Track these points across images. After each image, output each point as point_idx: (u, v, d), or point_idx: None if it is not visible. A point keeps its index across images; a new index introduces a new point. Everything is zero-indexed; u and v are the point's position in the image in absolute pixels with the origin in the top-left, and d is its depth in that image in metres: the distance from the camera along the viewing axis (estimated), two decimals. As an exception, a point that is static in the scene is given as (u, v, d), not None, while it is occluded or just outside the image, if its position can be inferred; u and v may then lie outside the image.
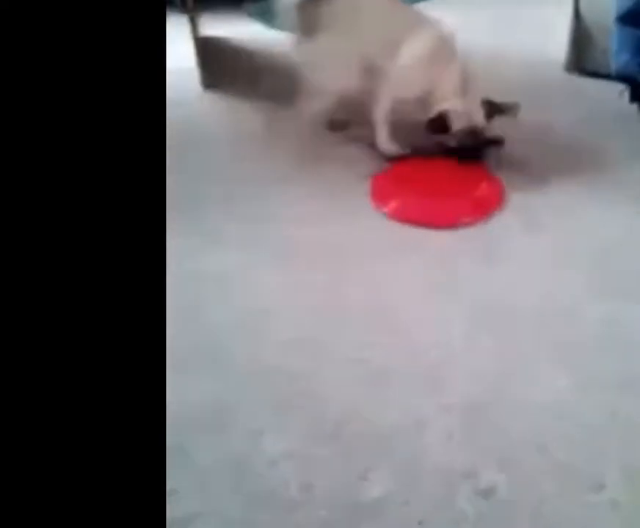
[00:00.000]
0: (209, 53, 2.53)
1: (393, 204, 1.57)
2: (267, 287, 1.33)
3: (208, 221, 1.56)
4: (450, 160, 1.69)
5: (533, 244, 1.44)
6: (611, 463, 0.94)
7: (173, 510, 0.90)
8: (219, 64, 2.69)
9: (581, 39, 2.21)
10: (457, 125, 1.65)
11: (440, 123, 1.66)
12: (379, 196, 1.61)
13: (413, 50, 1.65)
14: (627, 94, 1.89)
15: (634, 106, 1.90)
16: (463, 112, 1.65)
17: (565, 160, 1.77)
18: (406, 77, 1.67)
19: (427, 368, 1.13)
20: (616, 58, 1.86)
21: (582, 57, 2.22)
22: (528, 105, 1.71)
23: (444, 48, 1.67)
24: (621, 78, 1.88)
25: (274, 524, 0.91)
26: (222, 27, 2.80)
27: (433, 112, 1.65)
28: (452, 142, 1.67)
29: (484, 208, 1.56)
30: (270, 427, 1.05)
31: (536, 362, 1.12)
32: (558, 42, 2.30)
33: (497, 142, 1.69)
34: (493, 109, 1.70)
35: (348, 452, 1.00)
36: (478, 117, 1.67)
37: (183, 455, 0.98)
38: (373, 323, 1.23)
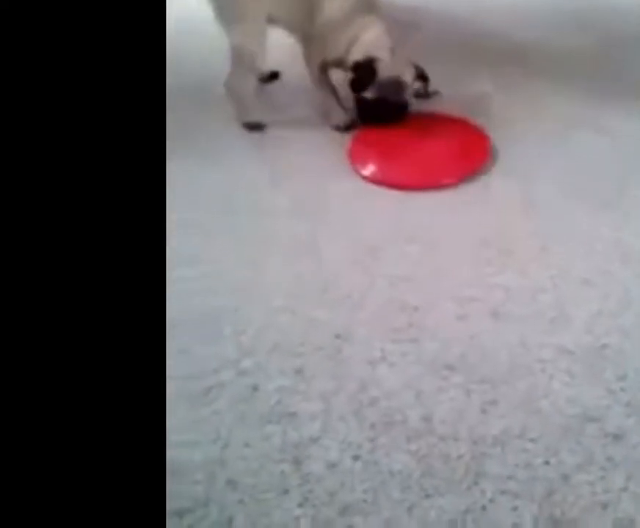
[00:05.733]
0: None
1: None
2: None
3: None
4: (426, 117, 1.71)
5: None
6: None
7: (295, 433, 0.93)
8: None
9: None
10: (384, 73, 1.65)
11: (366, 68, 1.63)
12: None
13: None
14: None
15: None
16: (390, 64, 1.66)
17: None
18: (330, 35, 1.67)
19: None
20: None
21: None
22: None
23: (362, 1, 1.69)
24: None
25: (394, 451, 0.91)
26: None
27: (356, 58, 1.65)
28: (373, 93, 1.66)
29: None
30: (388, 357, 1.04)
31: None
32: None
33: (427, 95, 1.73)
34: (421, 74, 1.71)
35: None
36: (406, 74, 1.69)
37: (304, 381, 1.00)
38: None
